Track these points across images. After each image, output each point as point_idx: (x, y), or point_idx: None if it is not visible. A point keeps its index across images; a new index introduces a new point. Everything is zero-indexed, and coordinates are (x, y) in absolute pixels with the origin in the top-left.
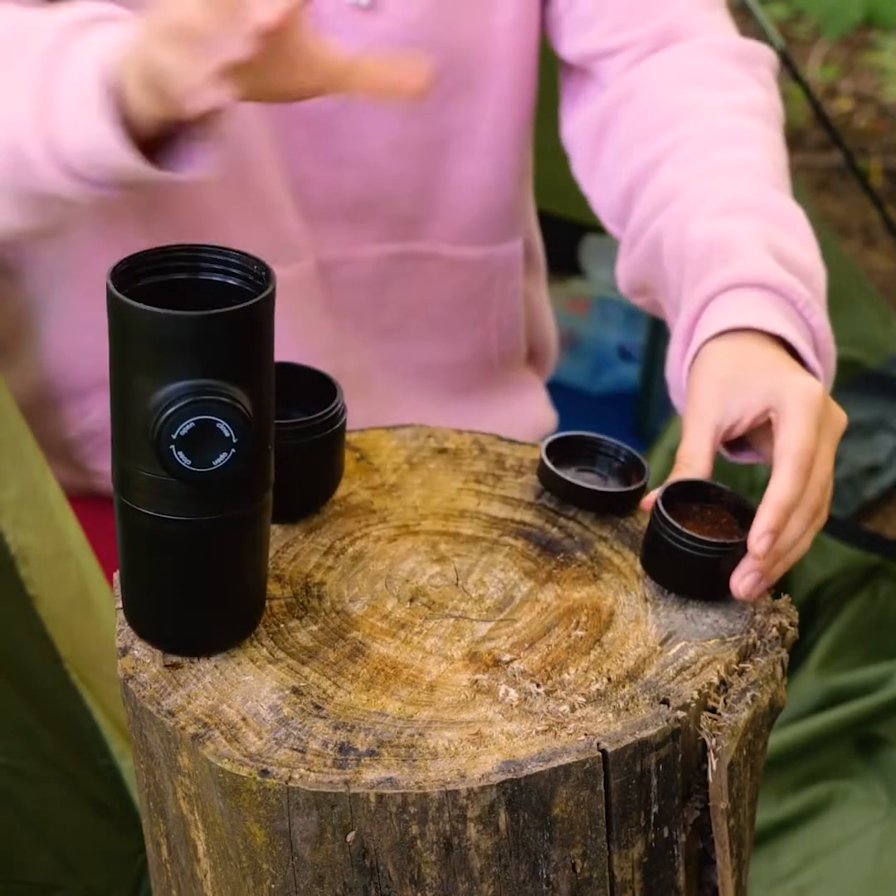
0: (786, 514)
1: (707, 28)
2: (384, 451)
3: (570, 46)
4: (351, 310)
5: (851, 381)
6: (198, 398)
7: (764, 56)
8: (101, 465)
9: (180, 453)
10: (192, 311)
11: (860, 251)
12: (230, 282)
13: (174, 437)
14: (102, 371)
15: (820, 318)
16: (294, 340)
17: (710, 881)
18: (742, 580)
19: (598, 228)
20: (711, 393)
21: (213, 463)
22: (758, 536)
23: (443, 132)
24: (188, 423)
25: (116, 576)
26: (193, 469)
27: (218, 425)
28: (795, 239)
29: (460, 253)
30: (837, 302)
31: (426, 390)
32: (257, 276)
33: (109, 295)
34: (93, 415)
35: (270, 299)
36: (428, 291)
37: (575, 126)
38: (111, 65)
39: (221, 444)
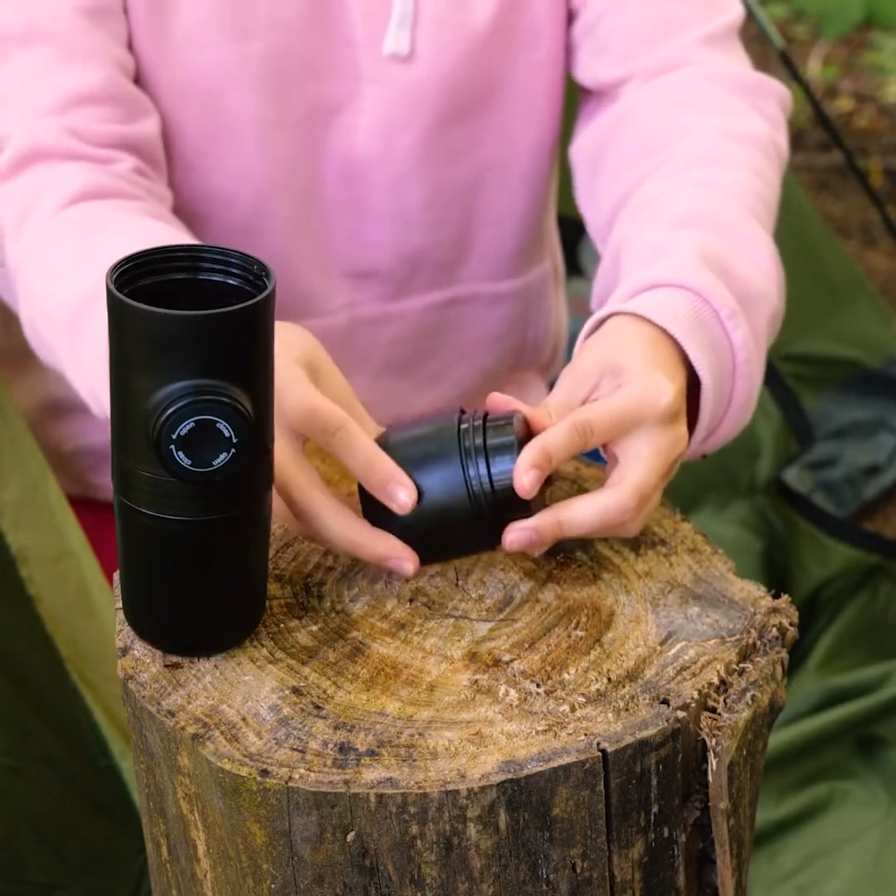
0: (550, 458)
1: (707, 62)
2: None
3: (583, 73)
4: (393, 364)
5: (851, 381)
6: (198, 398)
7: (773, 91)
8: (98, 479)
9: (180, 453)
10: (192, 311)
11: (860, 251)
12: (230, 282)
13: (174, 437)
14: None
15: (744, 334)
16: None
17: (710, 881)
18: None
19: None
20: (591, 366)
21: (213, 463)
22: (521, 471)
23: (479, 172)
24: (188, 423)
25: (116, 576)
26: (193, 469)
27: (218, 425)
28: (751, 263)
29: (499, 288)
30: (837, 302)
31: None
32: (257, 276)
33: (109, 294)
34: (92, 435)
35: (270, 299)
36: (472, 332)
37: (578, 144)
38: None
39: (221, 444)
